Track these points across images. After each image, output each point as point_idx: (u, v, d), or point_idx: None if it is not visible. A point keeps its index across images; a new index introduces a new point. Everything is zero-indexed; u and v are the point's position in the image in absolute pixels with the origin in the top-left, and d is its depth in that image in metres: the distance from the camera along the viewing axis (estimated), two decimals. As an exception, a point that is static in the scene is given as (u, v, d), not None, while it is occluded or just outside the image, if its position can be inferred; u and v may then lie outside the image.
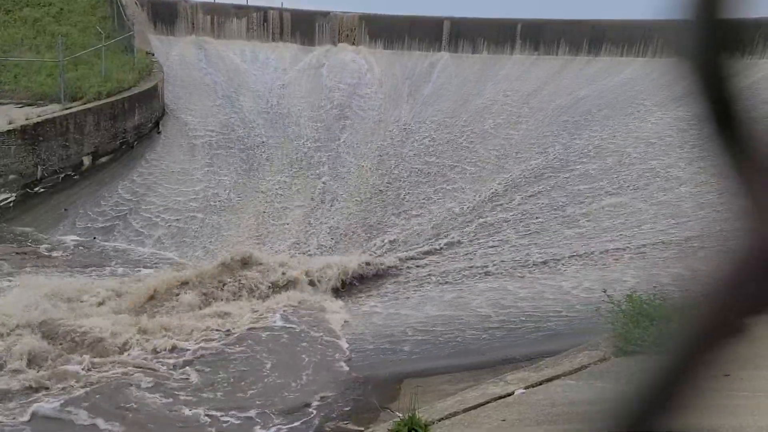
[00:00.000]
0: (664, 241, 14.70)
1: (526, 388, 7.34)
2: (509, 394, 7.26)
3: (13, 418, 8.75)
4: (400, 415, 6.99)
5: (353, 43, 28.79)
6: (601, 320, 7.95)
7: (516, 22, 28.11)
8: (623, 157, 19.62)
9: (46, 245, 16.25)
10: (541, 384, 7.36)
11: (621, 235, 15.59)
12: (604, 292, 8.40)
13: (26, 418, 8.85)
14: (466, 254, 15.97)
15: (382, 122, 23.30)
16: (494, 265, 15.29)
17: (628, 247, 14.93)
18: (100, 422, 8.87)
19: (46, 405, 9.17)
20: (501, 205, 18.02)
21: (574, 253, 15.22)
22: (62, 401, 9.29)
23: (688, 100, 0.89)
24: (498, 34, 28.22)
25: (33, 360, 10.27)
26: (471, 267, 15.32)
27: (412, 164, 20.58)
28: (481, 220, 17.35)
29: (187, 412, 9.51)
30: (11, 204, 18.02)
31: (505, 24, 28.21)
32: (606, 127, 21.69)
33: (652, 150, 19.79)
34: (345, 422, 9.61)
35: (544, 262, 15.02)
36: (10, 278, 13.76)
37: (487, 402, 7.16)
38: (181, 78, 25.21)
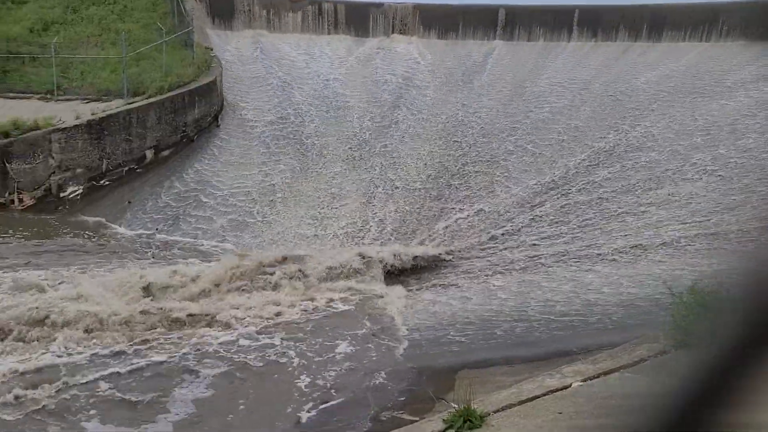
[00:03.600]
0: (729, 232, 14.26)
1: (584, 380, 7.25)
2: (566, 387, 7.19)
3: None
4: (456, 405, 7.00)
5: (407, 34, 28.73)
6: (661, 312, 7.78)
7: (573, 8, 27.57)
8: (685, 145, 19.07)
9: (113, 236, 16.80)
10: (598, 377, 7.27)
11: (682, 224, 15.19)
12: (665, 283, 8.21)
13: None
14: (523, 244, 15.83)
15: (436, 112, 23.21)
16: (551, 255, 15.11)
17: (691, 237, 14.55)
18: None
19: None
20: (559, 194, 17.76)
21: (634, 244, 14.92)
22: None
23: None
24: (554, 21, 27.73)
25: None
26: (528, 257, 15.18)
27: (467, 154, 20.47)
28: (538, 209, 17.15)
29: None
30: (79, 196, 18.68)
31: (562, 10, 27.70)
32: (667, 115, 21.12)
33: (716, 138, 19.18)
34: (400, 412, 9.67)
35: (603, 253, 14.76)
36: (82, 267, 14.36)
37: (544, 394, 7.10)
38: (238, 72, 25.63)
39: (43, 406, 9.47)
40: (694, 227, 14.92)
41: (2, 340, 11.12)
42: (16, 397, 9.53)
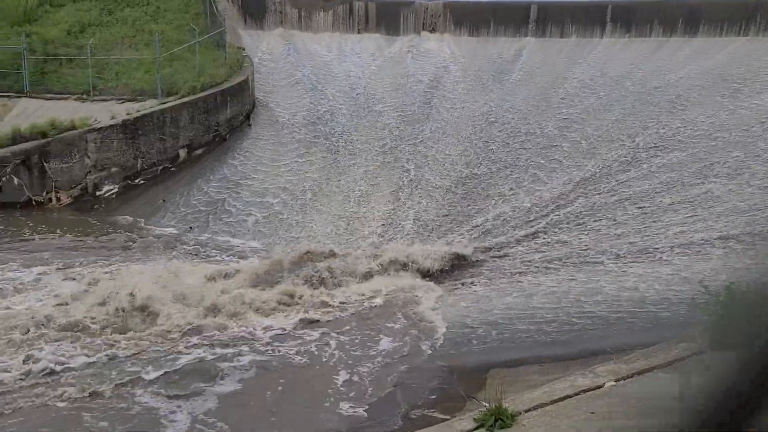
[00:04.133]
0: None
1: (617, 380, 7.17)
2: (599, 387, 7.12)
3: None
4: (487, 404, 6.97)
5: (437, 31, 28.63)
6: (697, 312, 7.65)
7: (606, 4, 27.20)
8: (722, 142, 18.72)
9: (148, 234, 17.05)
10: (632, 377, 7.18)
11: (719, 223, 14.92)
12: (701, 282, 8.07)
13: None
14: (556, 242, 15.68)
15: (467, 110, 23.10)
16: (585, 254, 14.95)
17: (728, 236, 14.28)
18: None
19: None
20: (593, 192, 17.56)
21: (670, 243, 14.69)
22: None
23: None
24: (587, 17, 27.39)
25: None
26: (561, 256, 15.04)
27: (498, 152, 20.34)
28: (571, 207, 16.97)
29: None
30: (114, 195, 19.01)
31: (595, 6, 27.36)
32: (703, 111, 20.75)
33: (754, 135, 18.79)
34: (431, 410, 9.67)
35: (638, 252, 14.57)
36: (121, 264, 14.66)
37: (576, 394, 7.04)
38: (270, 71, 25.80)
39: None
40: (734, 225, 14.63)
41: None
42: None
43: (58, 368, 10.48)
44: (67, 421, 9.27)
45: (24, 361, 10.55)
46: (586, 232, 15.88)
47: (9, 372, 10.30)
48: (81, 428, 9.12)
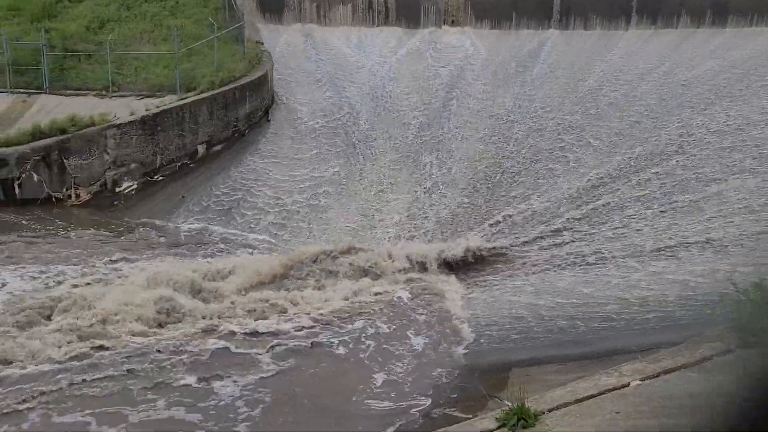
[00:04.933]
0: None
1: (643, 379, 7.12)
2: (624, 386, 7.07)
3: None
4: (509, 404, 6.96)
5: (458, 24, 28.52)
6: (725, 310, 7.58)
7: (632, -5, 26.93)
8: (750, 138, 18.47)
9: (168, 230, 17.21)
10: (658, 376, 7.13)
11: (747, 220, 14.74)
12: (730, 280, 7.98)
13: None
14: (579, 240, 15.60)
15: (489, 105, 23.01)
16: (608, 250, 14.86)
17: (755, 233, 14.11)
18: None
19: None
20: (617, 189, 17.42)
21: (695, 239, 14.54)
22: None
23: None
24: (611, 9, 27.10)
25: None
26: (583, 253, 14.97)
27: (521, 147, 20.25)
28: (594, 204, 16.86)
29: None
30: (133, 191, 19.19)
31: (620, -3, 27.08)
32: (732, 106, 20.48)
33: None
34: (452, 409, 9.68)
35: (662, 249, 14.44)
36: (142, 261, 14.89)
37: (601, 393, 7.00)
38: (289, 66, 25.87)
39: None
40: (765, 223, 14.45)
41: None
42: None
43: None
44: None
45: None
46: (610, 229, 15.78)
47: None
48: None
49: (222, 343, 11.66)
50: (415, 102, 23.51)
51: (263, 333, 12.03)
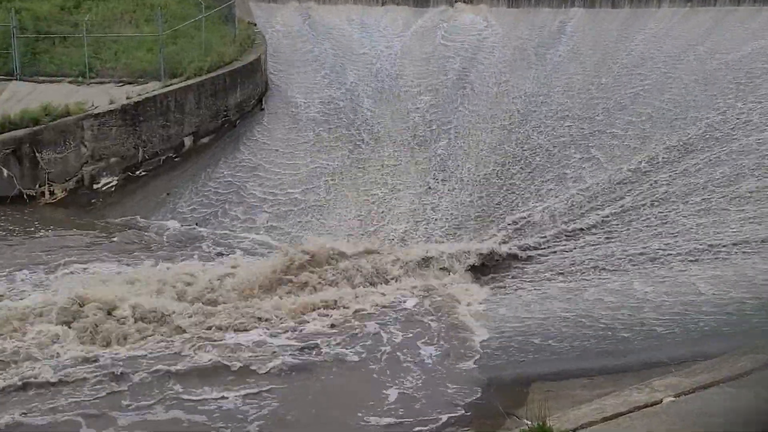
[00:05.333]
0: None
1: (677, 395, 7.14)
2: (656, 403, 7.10)
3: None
4: (529, 422, 6.99)
5: (473, 2, 28.52)
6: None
7: (664, -31, 26.94)
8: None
9: (151, 231, 17.25)
10: (694, 391, 7.15)
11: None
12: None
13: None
14: (605, 241, 15.61)
15: (505, 91, 23.01)
16: (637, 252, 14.87)
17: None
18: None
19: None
20: (648, 184, 17.42)
21: (735, 240, 14.54)
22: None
23: None
24: (642, -15, 27.13)
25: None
26: (610, 255, 14.98)
27: (541, 138, 20.25)
28: (623, 201, 16.87)
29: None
30: (113, 188, 19.25)
31: (651, -28, 27.07)
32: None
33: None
34: (465, 428, 9.70)
35: (698, 251, 14.45)
36: (121, 265, 14.92)
37: (630, 411, 7.03)
38: (284, 49, 25.93)
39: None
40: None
41: None
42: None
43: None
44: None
45: None
46: (639, 228, 15.79)
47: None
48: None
49: (216, 355, 11.65)
50: (425, 87, 23.52)
51: (262, 343, 12.04)
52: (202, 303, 13.23)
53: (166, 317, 12.59)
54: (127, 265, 15.02)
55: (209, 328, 12.44)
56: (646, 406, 7.08)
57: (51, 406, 10.14)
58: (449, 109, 22.13)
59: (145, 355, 11.56)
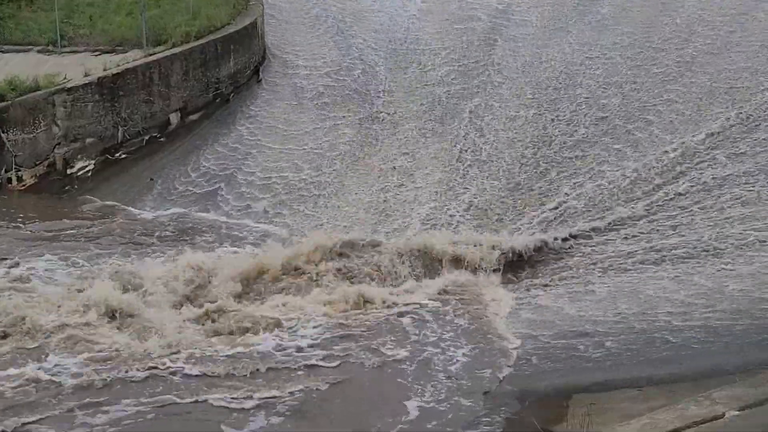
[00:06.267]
0: None
1: (741, 409, 7.17)
2: (717, 417, 7.13)
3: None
4: (570, 440, 7.02)
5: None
6: None
7: None
8: None
9: (131, 221, 17.35)
10: (762, 404, 7.17)
11: None
12: None
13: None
14: (652, 232, 15.59)
15: (540, 57, 22.98)
16: (691, 244, 14.84)
17: None
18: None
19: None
20: (702, 165, 17.36)
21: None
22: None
23: None
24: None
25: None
26: (660, 248, 14.96)
27: (581, 111, 20.22)
28: (673, 185, 16.84)
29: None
30: (89, 173, 19.36)
31: None
32: None
33: None
34: (496, 447, 9.76)
35: (761, 242, 14.39)
36: (101, 259, 15.06)
37: (687, 426, 7.07)
38: (284, 12, 25.97)
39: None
40: None
41: None
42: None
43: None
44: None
45: None
46: (692, 217, 15.75)
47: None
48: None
49: (212, 362, 11.77)
50: (446, 54, 23.51)
51: (267, 348, 12.24)
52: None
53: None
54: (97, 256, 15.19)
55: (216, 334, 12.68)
56: (705, 421, 7.11)
57: None
58: (475, 78, 22.09)
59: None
